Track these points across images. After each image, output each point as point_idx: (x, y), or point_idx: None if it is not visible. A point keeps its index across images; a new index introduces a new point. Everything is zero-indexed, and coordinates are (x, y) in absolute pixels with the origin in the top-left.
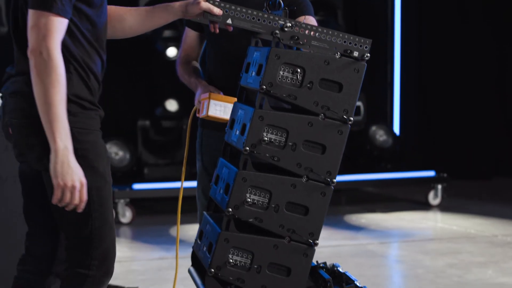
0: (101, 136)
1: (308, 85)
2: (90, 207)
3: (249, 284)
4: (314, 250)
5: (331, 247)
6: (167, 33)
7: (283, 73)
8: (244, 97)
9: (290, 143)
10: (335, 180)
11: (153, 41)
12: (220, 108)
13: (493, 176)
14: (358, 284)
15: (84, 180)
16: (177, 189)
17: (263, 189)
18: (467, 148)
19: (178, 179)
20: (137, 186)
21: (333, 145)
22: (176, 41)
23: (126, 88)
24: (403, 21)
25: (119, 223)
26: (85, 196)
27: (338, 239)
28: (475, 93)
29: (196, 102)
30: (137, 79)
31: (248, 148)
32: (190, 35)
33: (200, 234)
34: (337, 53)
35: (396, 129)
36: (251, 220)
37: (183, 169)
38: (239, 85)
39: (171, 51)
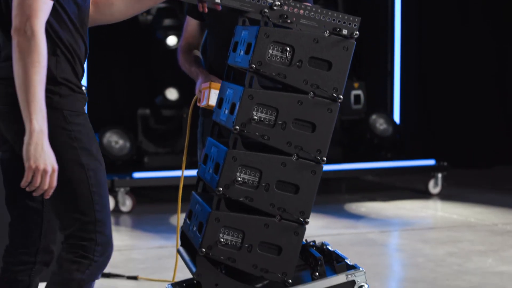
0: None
1: (298, 63)
2: (89, 189)
3: (240, 263)
4: (304, 229)
5: (331, 235)
6: (167, 21)
7: (272, 52)
8: (232, 76)
9: (280, 122)
10: (325, 159)
11: (153, 30)
12: None
13: (493, 165)
14: (348, 262)
15: (56, 166)
16: (178, 178)
17: (253, 168)
18: (467, 136)
19: (178, 167)
20: (137, 174)
21: (323, 124)
22: (176, 30)
23: (126, 77)
24: (403, 10)
25: (119, 212)
26: (54, 183)
27: (338, 228)
28: (475, 81)
29: (196, 91)
30: (137, 68)
31: (238, 127)
32: (191, 23)
33: (189, 214)
34: (326, 31)
35: (396, 117)
36: (241, 199)
37: (184, 158)
38: (226, 64)
39: (171, 40)
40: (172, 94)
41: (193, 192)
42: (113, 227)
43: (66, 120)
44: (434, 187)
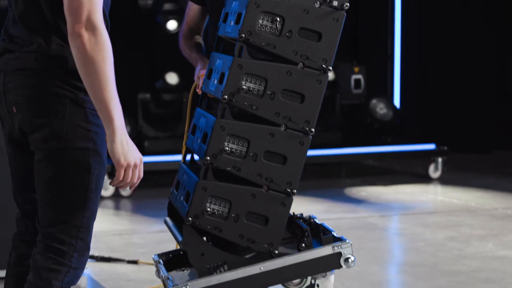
0: None
1: (287, 34)
2: (86, 194)
3: (226, 233)
4: (292, 200)
5: (331, 220)
6: (167, 6)
7: (262, 22)
8: (222, 47)
9: (269, 92)
10: (313, 130)
11: (153, 14)
12: None
13: (493, 149)
14: (335, 234)
15: (141, 157)
16: (178, 162)
17: (241, 138)
18: (468, 121)
19: (178, 152)
20: None
21: (312, 95)
22: (176, 14)
23: (126, 61)
24: None
25: (120, 196)
26: (142, 173)
27: (338, 212)
28: (476, 65)
29: (195, 77)
30: (137, 52)
31: (226, 97)
32: (192, 8)
33: (177, 184)
34: (317, 2)
35: (397, 102)
36: (229, 168)
37: (184, 142)
38: (216, 36)
39: (172, 24)
40: (172, 78)
41: (180, 162)
42: (113, 212)
43: (87, 119)
44: (434, 172)
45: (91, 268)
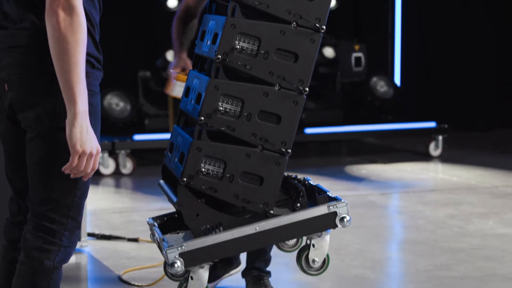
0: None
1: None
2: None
3: (221, 193)
4: (286, 159)
5: None
6: None
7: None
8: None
9: (262, 51)
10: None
11: None
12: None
13: (494, 127)
14: (330, 194)
15: (99, 148)
16: None
17: (235, 98)
18: (468, 99)
19: None
20: (137, 137)
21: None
22: None
23: (126, 39)
24: None
25: (120, 174)
26: (97, 165)
27: (339, 190)
28: (476, 43)
29: (168, 70)
30: (138, 30)
31: (220, 56)
32: None
33: (171, 146)
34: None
35: (397, 80)
36: (223, 128)
37: (170, 121)
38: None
39: (172, 2)
40: (172, 56)
41: (174, 125)
42: (114, 189)
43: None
44: (434, 150)
45: (91, 246)
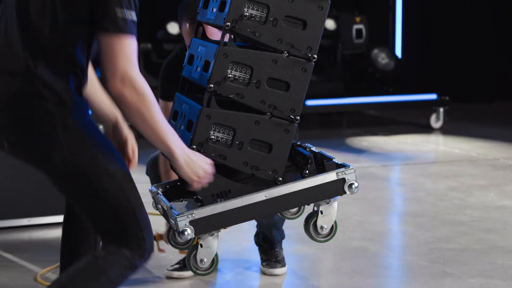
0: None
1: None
2: (121, 189)
3: (230, 161)
4: (295, 126)
5: None
6: None
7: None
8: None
9: (271, 19)
10: (315, 56)
11: None
12: None
13: (495, 100)
14: (336, 161)
15: (208, 162)
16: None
17: (245, 65)
18: (470, 71)
19: None
20: None
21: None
22: None
23: None
24: None
25: None
26: (210, 172)
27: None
28: (478, 15)
29: None
30: (138, 2)
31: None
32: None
33: (174, 114)
34: None
35: (398, 52)
36: (232, 96)
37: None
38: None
39: None
40: (173, 28)
41: (176, 93)
42: None
43: (84, 138)
44: (435, 122)
45: None
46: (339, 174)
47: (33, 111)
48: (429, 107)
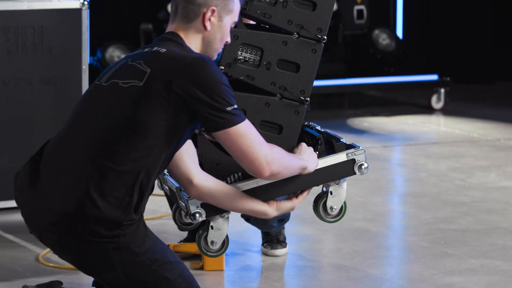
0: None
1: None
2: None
3: None
4: (305, 108)
5: None
6: None
7: None
8: None
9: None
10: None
11: None
12: None
13: (496, 80)
14: (344, 141)
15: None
16: None
17: (255, 47)
18: (471, 52)
19: None
20: None
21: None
22: None
23: None
24: None
25: None
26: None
27: None
28: None
29: None
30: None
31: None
32: None
33: None
34: None
35: (399, 32)
36: (242, 77)
37: None
38: None
39: None
40: None
41: None
42: None
43: (136, 254)
44: (436, 102)
45: None
46: (349, 155)
47: (84, 234)
48: (430, 88)
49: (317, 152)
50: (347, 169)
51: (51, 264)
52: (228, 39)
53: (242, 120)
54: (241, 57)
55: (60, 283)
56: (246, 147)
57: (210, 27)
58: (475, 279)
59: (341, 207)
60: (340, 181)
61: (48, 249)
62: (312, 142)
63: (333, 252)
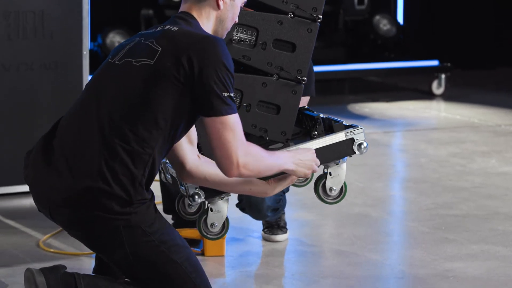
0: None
1: None
2: (190, 277)
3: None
4: (302, 87)
5: None
6: None
7: None
8: None
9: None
10: (321, 16)
11: None
12: None
13: (496, 66)
14: (344, 123)
15: (313, 152)
16: None
17: (250, 27)
18: (471, 37)
19: None
20: None
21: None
22: None
23: None
24: None
25: None
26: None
27: None
28: None
29: None
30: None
31: None
32: None
33: None
34: None
35: (400, 18)
36: (238, 58)
37: None
38: None
39: None
40: None
41: None
42: None
43: (146, 233)
44: (437, 88)
45: None
46: (348, 134)
47: (97, 209)
48: (431, 73)
49: (315, 133)
50: (346, 149)
51: (52, 250)
52: (237, 19)
53: (233, 112)
54: (236, 37)
55: (64, 267)
56: (226, 140)
57: (223, 6)
58: (476, 265)
59: (341, 188)
60: (339, 161)
61: (49, 235)
62: (311, 123)
63: (333, 238)
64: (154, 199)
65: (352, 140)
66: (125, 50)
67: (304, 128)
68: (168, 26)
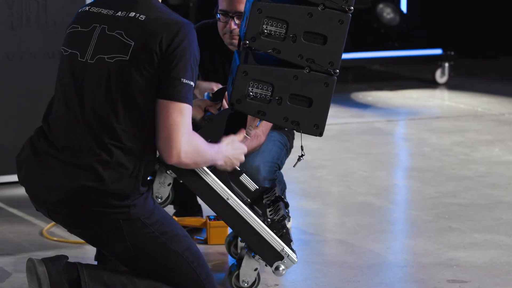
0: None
1: None
2: (191, 267)
3: (270, 116)
4: (334, 80)
5: (338, 124)
6: None
7: None
8: None
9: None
10: (352, 8)
11: None
12: None
13: (500, 55)
14: (290, 236)
15: (243, 148)
16: None
17: (280, 20)
18: (475, 26)
19: None
20: None
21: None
22: None
23: None
24: None
25: None
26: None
27: (345, 117)
28: None
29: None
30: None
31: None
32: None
33: (231, 72)
34: None
35: (404, 6)
36: (269, 51)
37: None
38: None
39: None
40: None
41: (235, 50)
42: None
43: (146, 225)
44: (441, 77)
45: None
46: (284, 251)
47: (94, 206)
48: (434, 62)
49: (269, 220)
50: (269, 256)
51: (55, 238)
52: None
53: (188, 102)
54: (266, 31)
55: (66, 257)
56: (174, 124)
57: None
58: (479, 254)
59: (254, 280)
60: (254, 255)
61: (53, 223)
62: (274, 209)
63: (337, 226)
64: (150, 191)
65: (281, 258)
66: (92, 44)
67: (267, 204)
68: (134, 14)
